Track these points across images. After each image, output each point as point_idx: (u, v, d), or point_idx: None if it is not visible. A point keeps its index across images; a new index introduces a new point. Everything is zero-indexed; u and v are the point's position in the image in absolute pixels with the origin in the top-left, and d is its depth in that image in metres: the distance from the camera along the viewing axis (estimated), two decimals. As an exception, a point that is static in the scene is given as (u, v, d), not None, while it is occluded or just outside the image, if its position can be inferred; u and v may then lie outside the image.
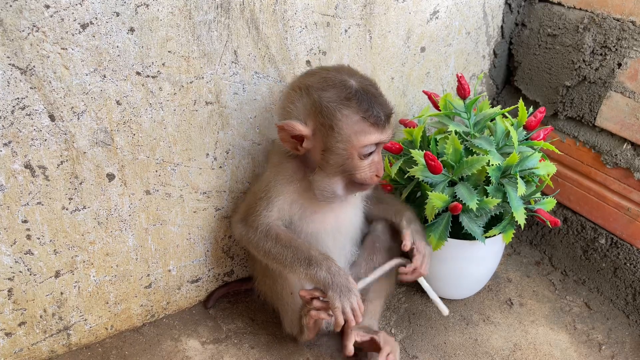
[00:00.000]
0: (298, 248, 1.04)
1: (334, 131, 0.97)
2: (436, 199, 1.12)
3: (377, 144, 1.01)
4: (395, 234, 1.18)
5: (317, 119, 0.98)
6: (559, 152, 1.30)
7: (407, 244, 1.11)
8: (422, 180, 1.16)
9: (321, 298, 1.05)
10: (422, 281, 1.16)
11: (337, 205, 1.11)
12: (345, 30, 1.23)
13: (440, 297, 1.36)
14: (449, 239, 1.19)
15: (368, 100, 0.97)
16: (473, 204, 1.10)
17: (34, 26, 0.90)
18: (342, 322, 1.00)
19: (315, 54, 1.21)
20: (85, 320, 1.20)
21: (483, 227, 1.19)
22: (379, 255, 1.19)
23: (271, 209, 1.07)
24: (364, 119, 0.97)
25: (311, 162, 1.04)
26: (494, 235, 1.20)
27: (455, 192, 1.14)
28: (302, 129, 0.99)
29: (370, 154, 1.01)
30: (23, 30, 0.90)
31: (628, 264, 1.31)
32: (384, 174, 1.24)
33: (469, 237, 1.21)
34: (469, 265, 1.28)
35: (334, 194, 1.05)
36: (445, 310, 1.27)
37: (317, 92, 0.97)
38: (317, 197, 1.06)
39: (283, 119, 1.01)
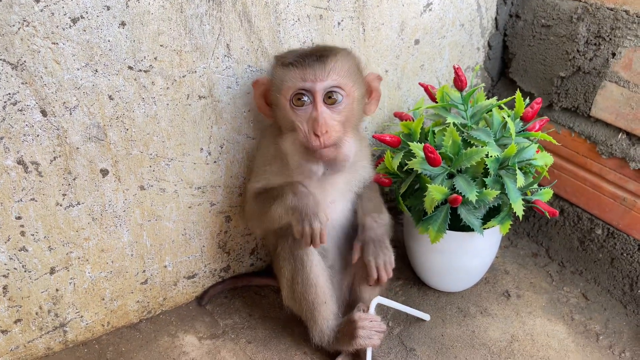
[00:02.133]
0: (273, 191, 1.07)
1: (273, 84, 1.04)
2: (435, 192, 1.11)
3: (305, 91, 1.00)
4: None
5: (270, 79, 1.06)
6: (557, 143, 1.30)
7: (354, 257, 1.12)
8: (421, 173, 1.15)
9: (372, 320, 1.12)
10: (391, 303, 1.18)
11: (326, 191, 1.12)
12: (339, 23, 1.22)
13: (437, 290, 1.38)
14: (447, 231, 1.19)
15: (296, 51, 1.02)
16: (472, 196, 1.10)
17: (24, 21, 0.90)
18: (300, 237, 1.03)
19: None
20: (82, 316, 1.20)
21: (481, 219, 1.19)
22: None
23: (258, 182, 1.12)
24: (286, 65, 1.01)
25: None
26: (493, 226, 1.20)
27: (453, 185, 1.13)
28: (263, 79, 1.07)
29: (302, 103, 1.01)
30: (13, 25, 0.89)
31: (625, 254, 1.31)
32: (380, 167, 1.24)
33: (466, 228, 1.21)
34: (466, 257, 1.28)
35: (301, 160, 1.06)
36: (426, 316, 1.27)
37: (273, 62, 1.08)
38: (296, 172, 1.08)
39: None
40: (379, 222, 1.13)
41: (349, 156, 1.06)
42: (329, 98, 1.01)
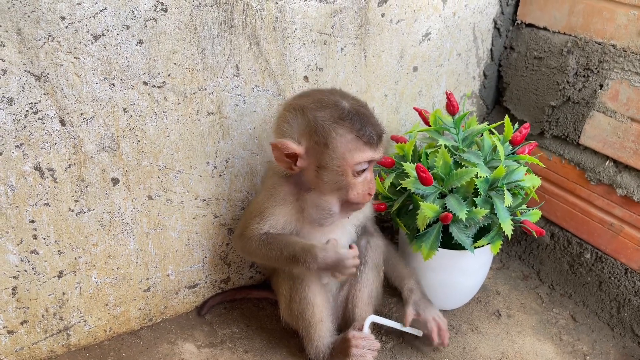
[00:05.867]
0: (285, 246, 1.10)
1: (328, 149, 1.03)
2: (427, 209, 1.17)
3: (369, 162, 1.07)
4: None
5: (311, 138, 1.03)
6: (543, 166, 1.36)
7: (407, 320, 1.23)
8: (414, 192, 1.21)
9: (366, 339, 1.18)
10: (384, 321, 1.22)
11: (329, 229, 1.16)
12: (342, 49, 1.30)
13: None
14: (439, 249, 1.24)
15: (360, 120, 1.03)
16: (462, 214, 1.15)
17: (50, 36, 0.97)
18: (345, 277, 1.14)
19: (312, 70, 1.28)
20: (85, 321, 1.24)
21: (472, 237, 1.24)
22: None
23: (264, 224, 1.13)
24: (358, 138, 1.03)
25: (305, 182, 1.10)
26: (483, 245, 1.25)
27: (445, 204, 1.19)
28: (295, 147, 1.03)
29: (363, 171, 1.07)
30: (39, 40, 0.96)
31: (612, 278, 1.36)
32: (375, 192, 1.30)
33: (458, 247, 1.26)
34: (458, 275, 1.32)
35: (330, 212, 1.11)
36: (418, 332, 1.31)
37: (311, 112, 1.03)
38: (310, 218, 1.12)
39: (278, 138, 1.07)
40: (419, 284, 1.27)
41: None
42: None
